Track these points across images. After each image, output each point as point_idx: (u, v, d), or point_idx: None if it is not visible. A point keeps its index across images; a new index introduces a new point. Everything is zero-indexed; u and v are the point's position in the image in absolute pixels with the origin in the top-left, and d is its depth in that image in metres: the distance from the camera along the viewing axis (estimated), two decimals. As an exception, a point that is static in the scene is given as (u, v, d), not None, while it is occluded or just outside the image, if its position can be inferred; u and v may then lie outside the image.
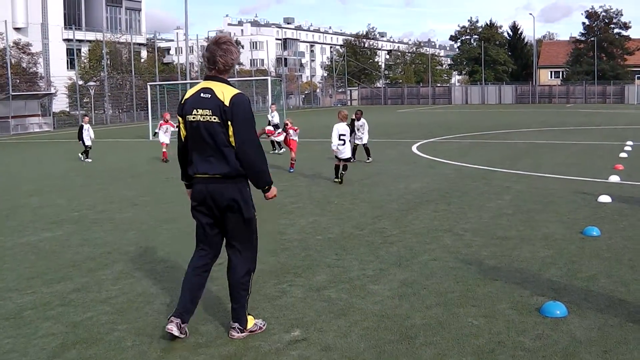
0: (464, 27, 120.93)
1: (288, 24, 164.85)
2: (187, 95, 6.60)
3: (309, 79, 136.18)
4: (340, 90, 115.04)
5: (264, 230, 11.51)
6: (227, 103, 6.32)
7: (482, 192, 15.30)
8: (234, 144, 6.35)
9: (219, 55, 6.43)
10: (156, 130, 26.23)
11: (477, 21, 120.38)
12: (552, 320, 6.89)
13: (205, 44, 39.37)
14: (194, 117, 6.43)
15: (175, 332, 6.49)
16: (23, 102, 55.42)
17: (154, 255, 10.11)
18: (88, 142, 26.36)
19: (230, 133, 6.34)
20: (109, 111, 66.76)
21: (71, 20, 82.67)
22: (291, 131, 20.72)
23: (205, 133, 6.39)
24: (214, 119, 6.34)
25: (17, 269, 9.65)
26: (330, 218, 12.46)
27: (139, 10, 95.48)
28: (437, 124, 45.07)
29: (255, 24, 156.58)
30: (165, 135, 25.41)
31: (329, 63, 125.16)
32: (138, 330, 6.93)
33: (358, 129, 22.18)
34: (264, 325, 6.87)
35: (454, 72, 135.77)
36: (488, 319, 6.99)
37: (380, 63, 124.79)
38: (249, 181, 6.60)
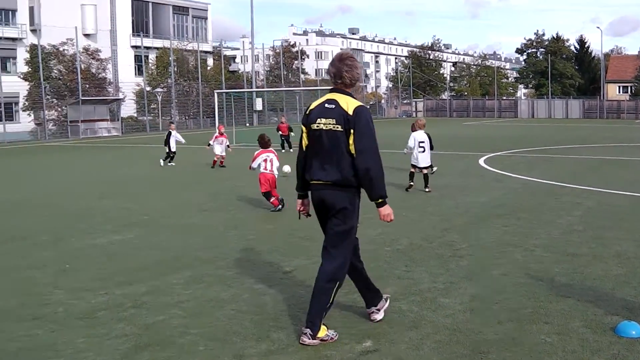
0: (530, 40, 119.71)
1: (353, 34, 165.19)
2: (312, 106, 6.90)
3: (374, 89, 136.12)
4: (405, 101, 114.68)
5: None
6: (350, 112, 6.58)
7: (551, 208, 15.08)
8: (353, 152, 6.56)
9: (344, 71, 6.73)
10: (210, 142, 26.59)
11: (543, 34, 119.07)
12: (627, 341, 6.72)
13: (271, 52, 40.79)
14: (317, 126, 6.72)
15: (380, 317, 7.31)
16: (92, 107, 56.41)
17: (223, 262, 10.16)
18: (174, 148, 27.33)
19: (351, 142, 6.56)
20: (176, 117, 67.46)
21: (139, 27, 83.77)
22: None
23: (326, 141, 6.67)
24: (338, 127, 6.61)
25: (89, 270, 9.80)
26: (398, 229, 12.35)
27: (206, 18, 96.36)
28: (504, 138, 44.61)
29: (320, 33, 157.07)
30: (221, 146, 25.91)
31: (394, 74, 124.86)
32: (210, 335, 6.96)
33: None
34: (335, 336, 6.83)
35: (520, 85, 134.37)
36: (561, 336, 6.86)
37: (445, 75, 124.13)
38: (359, 194, 6.81)
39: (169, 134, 27.79)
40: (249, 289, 8.61)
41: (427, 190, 17.51)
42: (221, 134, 26.51)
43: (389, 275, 9.19)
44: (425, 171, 17.95)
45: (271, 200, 15.27)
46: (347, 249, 6.88)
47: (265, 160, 15.60)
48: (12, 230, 13.20)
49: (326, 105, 6.75)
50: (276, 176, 15.63)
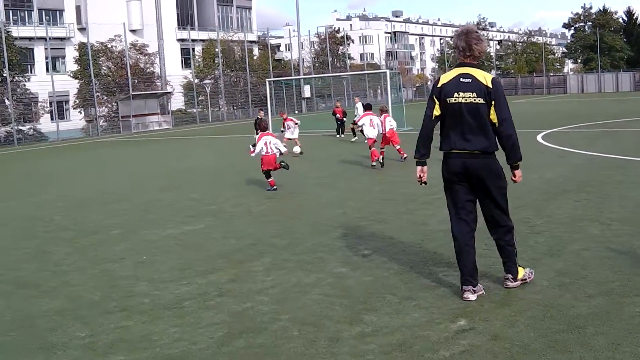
0: (577, 14, 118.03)
1: (396, 17, 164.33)
2: (444, 80, 7.24)
3: (420, 71, 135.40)
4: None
5: (406, 221, 11.54)
6: (490, 85, 7.04)
7: (619, 181, 14.83)
8: (495, 121, 7.12)
9: (474, 44, 7.17)
10: (282, 129, 26.98)
11: (590, 7, 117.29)
12: None
13: (315, 39, 41.28)
14: (455, 100, 7.12)
15: (473, 298, 7.25)
16: (143, 101, 56.87)
17: (300, 247, 10.16)
18: None
19: (492, 112, 7.09)
20: (224, 108, 67.75)
21: (184, 20, 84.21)
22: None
23: (467, 113, 7.10)
24: (479, 100, 7.05)
25: (167, 261, 9.86)
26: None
27: (250, 8, 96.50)
28: (557, 114, 44.09)
29: (363, 18, 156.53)
30: (289, 130, 26.21)
31: (440, 55, 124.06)
32: (301, 319, 6.95)
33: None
34: (532, 274, 7.77)
35: (568, 61, 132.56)
36: (656, 309, 6.75)
37: (491, 54, 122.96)
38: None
39: (257, 119, 28.72)
40: (331, 273, 8.58)
41: None
42: (285, 119, 27.29)
43: (470, 254, 9.09)
44: None
45: (269, 180, 16.56)
46: (507, 203, 7.70)
47: (265, 144, 16.67)
48: (83, 226, 13.34)
49: (461, 79, 7.11)
50: (277, 154, 16.76)
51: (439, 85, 7.27)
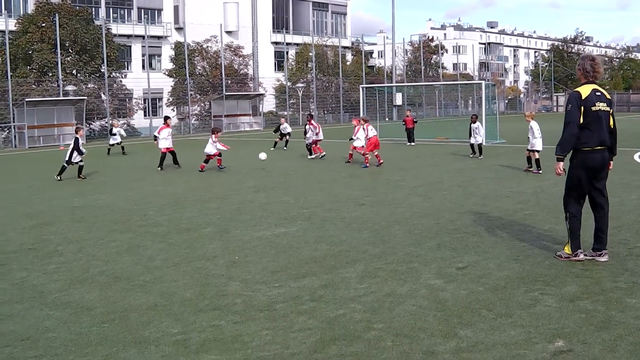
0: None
1: (491, 28, 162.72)
2: (584, 95, 9.29)
3: (512, 83, 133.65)
4: (544, 95, 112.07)
5: (501, 236, 11.32)
6: (610, 98, 9.58)
7: None
8: (611, 125, 9.62)
9: (596, 70, 9.52)
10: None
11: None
12: None
13: (409, 47, 41.93)
14: (597, 108, 9.29)
15: (583, 257, 9.52)
16: (235, 102, 57.50)
17: (393, 256, 10.06)
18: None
19: (611, 119, 9.60)
20: (315, 112, 67.97)
21: (279, 24, 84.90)
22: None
23: (603, 118, 9.40)
24: (608, 108, 9.49)
25: (260, 262, 9.88)
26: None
27: (345, 14, 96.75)
28: (654, 133, 42.93)
29: (458, 28, 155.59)
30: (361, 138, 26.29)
31: (534, 68, 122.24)
32: (395, 330, 6.86)
33: (473, 131, 26.72)
34: (577, 255, 9.59)
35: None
36: None
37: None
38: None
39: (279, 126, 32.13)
40: (425, 284, 8.46)
41: (539, 171, 20.63)
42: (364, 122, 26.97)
43: (567, 274, 8.85)
44: (537, 155, 21.19)
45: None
46: (565, 191, 9.87)
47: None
48: (177, 223, 13.49)
49: (596, 93, 9.39)
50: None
51: (583, 97, 9.31)
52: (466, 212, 13.81)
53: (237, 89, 62.21)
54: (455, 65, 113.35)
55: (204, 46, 62.39)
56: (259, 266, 9.65)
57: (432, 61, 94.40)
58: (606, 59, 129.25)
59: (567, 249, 9.65)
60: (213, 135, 24.45)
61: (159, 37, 74.21)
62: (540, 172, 20.47)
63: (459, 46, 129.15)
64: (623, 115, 79.24)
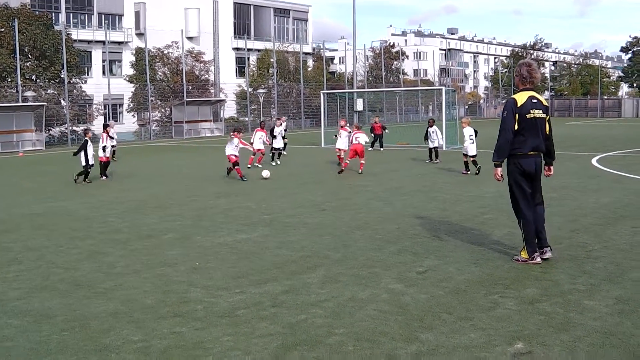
0: (635, 37, 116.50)
1: (452, 34, 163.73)
2: (520, 102, 9.62)
3: (472, 89, 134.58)
4: (504, 101, 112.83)
5: (461, 240, 11.42)
6: (547, 105, 9.88)
7: (680, 209, 14.59)
8: (547, 132, 9.88)
9: (533, 76, 9.80)
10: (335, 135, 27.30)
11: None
12: None
13: (370, 53, 42.89)
14: (532, 115, 9.60)
15: (540, 260, 9.70)
16: (196, 108, 57.26)
17: (355, 261, 10.10)
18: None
19: (547, 125, 9.88)
20: (276, 117, 67.89)
21: (241, 29, 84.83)
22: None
23: (539, 125, 9.70)
24: (544, 115, 9.75)
25: (221, 268, 9.86)
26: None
27: (306, 20, 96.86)
28: (612, 137, 43.50)
29: (419, 34, 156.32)
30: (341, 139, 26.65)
31: (493, 74, 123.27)
32: (357, 335, 6.88)
33: (430, 135, 27.30)
34: (533, 259, 9.74)
35: (624, 84, 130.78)
36: None
37: (545, 74, 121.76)
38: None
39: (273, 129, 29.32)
40: (386, 289, 8.51)
41: (477, 172, 21.90)
42: (342, 127, 27.71)
43: (527, 277, 8.96)
44: (473, 158, 22.43)
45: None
46: (511, 199, 10.05)
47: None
48: (139, 229, 13.42)
49: (532, 100, 9.67)
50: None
51: (518, 105, 9.62)
52: (427, 217, 13.90)
53: (198, 95, 61.97)
54: (415, 71, 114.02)
55: (165, 52, 62.07)
56: (220, 272, 9.63)
57: (393, 67, 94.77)
58: (564, 64, 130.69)
59: (524, 254, 9.76)
60: (234, 137, 22.78)
61: (119, 43, 73.66)
62: (477, 173, 21.92)
63: (420, 52, 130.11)
64: (581, 121, 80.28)
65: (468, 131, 22.98)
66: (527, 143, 9.59)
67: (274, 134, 29.88)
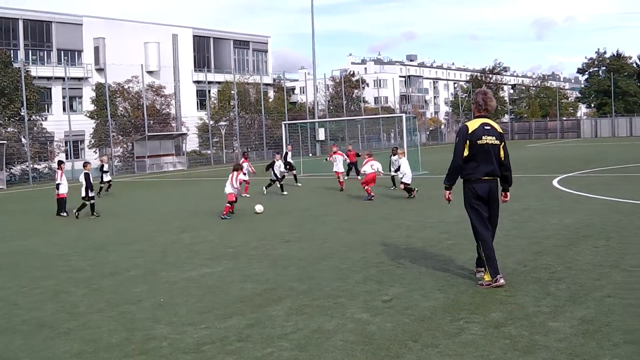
0: (591, 59, 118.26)
1: (411, 61, 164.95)
2: (472, 128, 9.91)
3: (433, 115, 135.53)
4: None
5: (426, 266, 11.46)
6: (501, 132, 10.10)
7: (639, 227, 14.76)
8: (502, 157, 10.06)
9: (488, 103, 10.09)
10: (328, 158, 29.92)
11: (604, 52, 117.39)
12: None
13: (330, 82, 43.39)
14: (484, 141, 9.84)
15: (504, 282, 9.78)
16: (158, 142, 57.18)
17: (320, 292, 10.09)
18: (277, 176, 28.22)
19: (501, 151, 10.04)
20: (238, 150, 67.89)
21: (201, 62, 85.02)
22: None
23: (491, 151, 9.93)
24: (497, 142, 9.94)
25: (186, 304, 9.81)
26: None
27: (266, 51, 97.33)
28: (572, 158, 43.99)
29: (378, 62, 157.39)
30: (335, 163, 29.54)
31: (453, 99, 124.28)
32: (323, 366, 6.88)
33: (392, 163, 27.71)
34: (495, 282, 9.83)
35: (582, 105, 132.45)
36: (686, 358, 6.64)
37: (505, 98, 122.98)
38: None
39: (272, 163, 28.92)
40: (352, 319, 8.51)
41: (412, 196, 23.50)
42: (334, 152, 29.90)
43: (491, 301, 9.02)
44: (408, 186, 23.84)
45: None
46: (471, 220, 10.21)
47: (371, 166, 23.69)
48: (102, 266, 13.31)
49: (485, 127, 9.92)
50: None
51: (470, 131, 9.88)
52: (391, 244, 13.95)
53: (159, 129, 61.90)
54: (376, 99, 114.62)
55: (126, 87, 62.00)
56: (185, 308, 9.58)
57: (354, 95, 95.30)
58: (523, 87, 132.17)
59: (487, 277, 9.88)
60: (235, 174, 21.65)
61: (79, 79, 73.33)
62: (413, 196, 23.50)
63: (380, 80, 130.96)
64: (541, 142, 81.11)
65: (404, 162, 24.67)
66: (480, 168, 9.88)
67: (287, 159, 32.43)
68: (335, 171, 29.66)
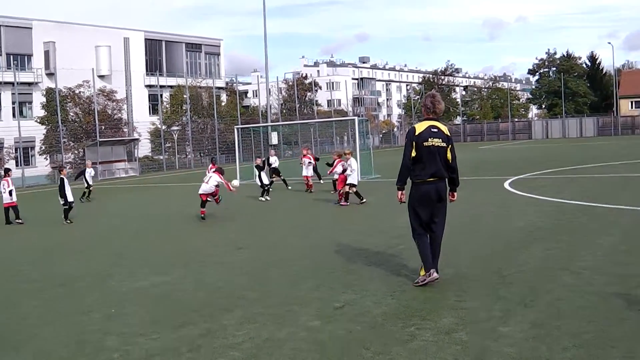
0: (541, 59, 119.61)
1: (363, 63, 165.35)
2: (419, 130, 10.27)
3: (386, 117, 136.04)
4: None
5: (378, 272, 11.49)
6: (448, 134, 10.39)
7: (589, 229, 14.95)
8: (449, 159, 10.39)
9: (436, 106, 10.45)
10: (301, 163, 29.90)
11: (554, 53, 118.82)
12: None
13: (283, 85, 42.87)
14: (430, 143, 10.14)
15: (437, 275, 10.29)
16: (110, 148, 56.64)
17: (272, 300, 10.07)
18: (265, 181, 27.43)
19: (448, 153, 10.37)
20: (191, 155, 67.64)
21: (153, 66, 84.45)
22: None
23: (437, 153, 10.24)
24: (443, 144, 10.23)
25: (137, 314, 9.74)
26: (440, 259, 12.17)
27: (218, 54, 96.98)
28: (523, 160, 44.42)
29: (331, 64, 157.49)
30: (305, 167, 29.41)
31: (406, 101, 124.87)
32: (275, 376, 6.86)
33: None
34: (424, 281, 10.31)
35: (533, 106, 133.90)
36: (633, 360, 6.74)
37: (457, 100, 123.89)
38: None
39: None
40: (304, 326, 8.50)
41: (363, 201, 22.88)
42: (304, 155, 29.86)
43: (442, 307, 9.07)
44: (355, 189, 23.07)
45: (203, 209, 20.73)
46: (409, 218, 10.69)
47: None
48: (52, 277, 13.16)
49: (432, 129, 10.26)
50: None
51: (417, 133, 10.23)
52: (343, 250, 13.96)
53: (111, 135, 61.35)
54: (329, 102, 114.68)
55: (76, 91, 61.39)
56: (136, 318, 9.51)
57: (307, 98, 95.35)
58: (475, 89, 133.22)
59: (422, 272, 10.42)
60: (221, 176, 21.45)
61: (29, 84, 72.54)
62: (365, 201, 22.88)
63: (333, 82, 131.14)
64: (493, 144, 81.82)
65: (352, 162, 23.43)
66: (426, 170, 10.22)
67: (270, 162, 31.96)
68: (305, 175, 29.51)
